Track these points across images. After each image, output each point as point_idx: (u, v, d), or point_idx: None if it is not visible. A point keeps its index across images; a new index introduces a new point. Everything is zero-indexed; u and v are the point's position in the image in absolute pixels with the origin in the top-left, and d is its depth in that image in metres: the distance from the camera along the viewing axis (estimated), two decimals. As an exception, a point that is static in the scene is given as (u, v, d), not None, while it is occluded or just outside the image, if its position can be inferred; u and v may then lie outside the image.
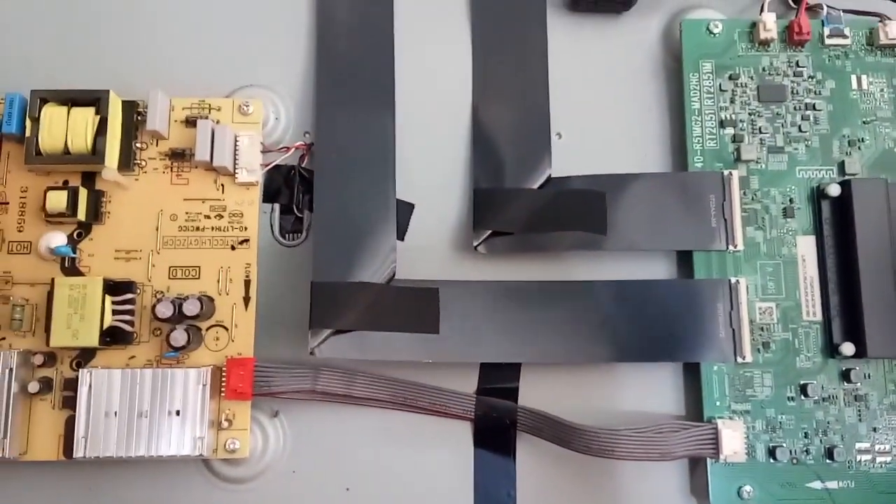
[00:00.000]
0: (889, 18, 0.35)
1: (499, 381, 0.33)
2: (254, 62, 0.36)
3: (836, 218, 0.33)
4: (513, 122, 0.35)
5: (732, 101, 0.35)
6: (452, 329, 0.32)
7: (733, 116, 0.34)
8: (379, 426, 0.33)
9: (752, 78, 0.35)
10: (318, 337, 0.31)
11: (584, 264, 0.34)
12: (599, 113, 0.36)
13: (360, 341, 0.32)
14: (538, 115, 0.35)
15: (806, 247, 0.34)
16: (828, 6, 0.36)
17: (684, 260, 0.34)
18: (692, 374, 0.33)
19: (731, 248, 0.33)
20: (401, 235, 0.34)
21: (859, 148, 0.34)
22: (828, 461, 0.32)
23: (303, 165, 0.35)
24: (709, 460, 0.32)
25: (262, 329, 0.33)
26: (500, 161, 0.34)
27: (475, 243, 0.33)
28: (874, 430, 0.32)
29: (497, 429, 0.33)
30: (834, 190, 0.33)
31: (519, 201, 0.34)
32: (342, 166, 0.34)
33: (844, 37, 0.35)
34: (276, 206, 0.35)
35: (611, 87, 0.36)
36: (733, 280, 0.33)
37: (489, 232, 0.33)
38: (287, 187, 0.35)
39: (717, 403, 0.32)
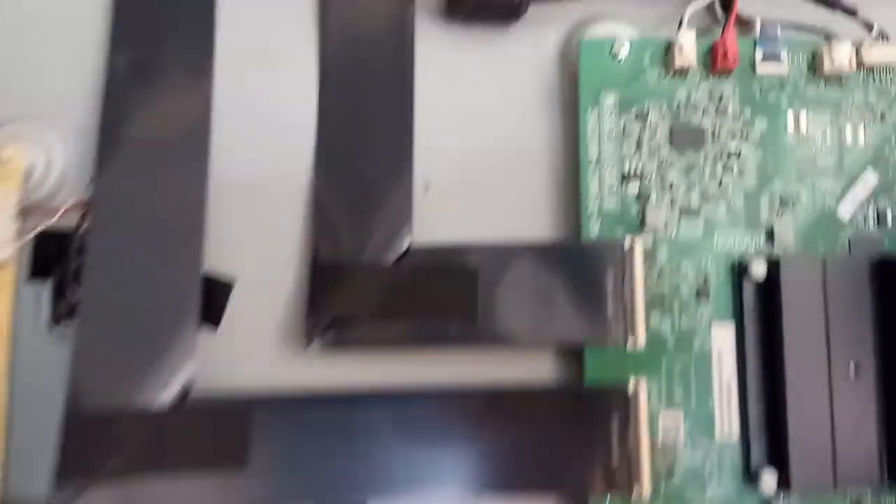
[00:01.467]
0: (836, 38, 0.28)
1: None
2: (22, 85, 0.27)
3: (760, 305, 0.26)
4: (366, 174, 0.26)
5: (639, 147, 0.27)
6: (271, 463, 0.24)
7: (639, 167, 0.27)
8: None
9: (664, 116, 0.27)
10: (66, 490, 0.23)
11: (448, 363, 0.26)
12: (478, 158, 0.28)
13: (131, 495, 0.23)
14: (399, 163, 0.26)
15: (723, 339, 0.27)
16: (762, 19, 0.28)
17: (570, 359, 0.27)
18: (579, 505, 0.26)
19: (630, 343, 0.26)
20: (214, 322, 0.26)
21: (793, 209, 0.27)
22: None
23: (84, 228, 0.26)
24: None
25: (15, 459, 0.25)
26: (347, 226, 0.26)
27: (309, 336, 0.25)
28: (799, 572, 0.26)
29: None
30: (758, 271, 0.26)
31: (369, 280, 0.25)
32: (126, 230, 0.25)
33: (781, 62, 0.28)
34: (48, 286, 0.26)
35: (494, 125, 0.28)
36: (631, 386, 0.25)
37: (329, 320, 0.25)
38: (62, 260, 0.26)
39: (608, 545, 0.25)
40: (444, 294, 0.25)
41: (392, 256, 0.25)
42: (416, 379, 0.26)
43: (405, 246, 0.25)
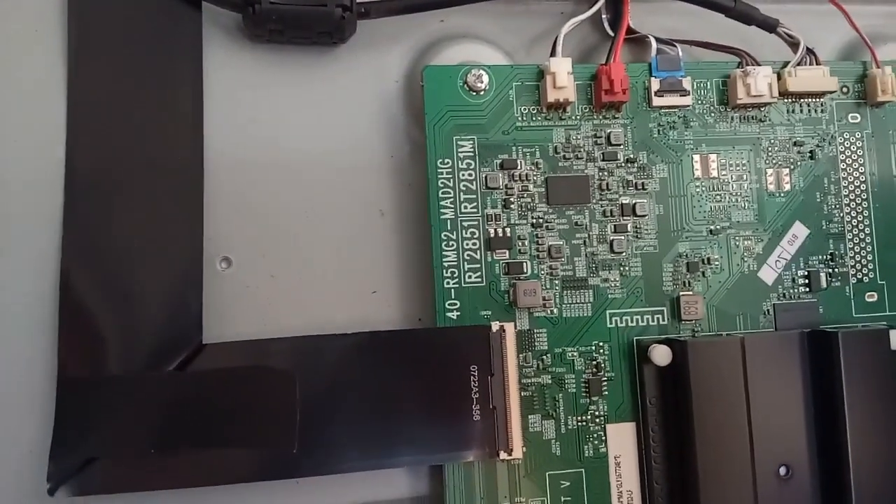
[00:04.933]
0: (754, 60, 0.23)
1: None
2: None
3: (664, 395, 0.21)
4: (140, 253, 0.20)
5: (507, 206, 0.22)
6: None
7: (508, 232, 0.21)
8: None
9: (537, 166, 0.22)
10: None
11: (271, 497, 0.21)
12: (297, 225, 0.22)
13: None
14: (186, 237, 0.21)
15: (622, 442, 0.21)
16: (657, 39, 0.23)
17: (430, 474, 0.21)
18: None
19: (503, 455, 0.20)
20: None
21: (704, 275, 0.22)
22: None
23: None
24: None
25: None
26: (107, 324, 0.20)
27: (50, 482, 0.19)
28: None
29: None
30: (661, 357, 0.21)
31: (140, 397, 0.19)
32: None
33: (684, 93, 0.23)
34: None
35: (317, 179, 0.22)
36: (505, 511, 0.20)
37: (81, 459, 0.19)
38: None
39: None
40: (251, 407, 0.20)
41: (173, 360, 0.20)
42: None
43: (194, 344, 0.20)
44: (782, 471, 0.22)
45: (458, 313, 0.21)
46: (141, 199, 0.20)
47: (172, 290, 0.20)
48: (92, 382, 0.19)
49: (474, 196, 0.22)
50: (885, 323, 0.23)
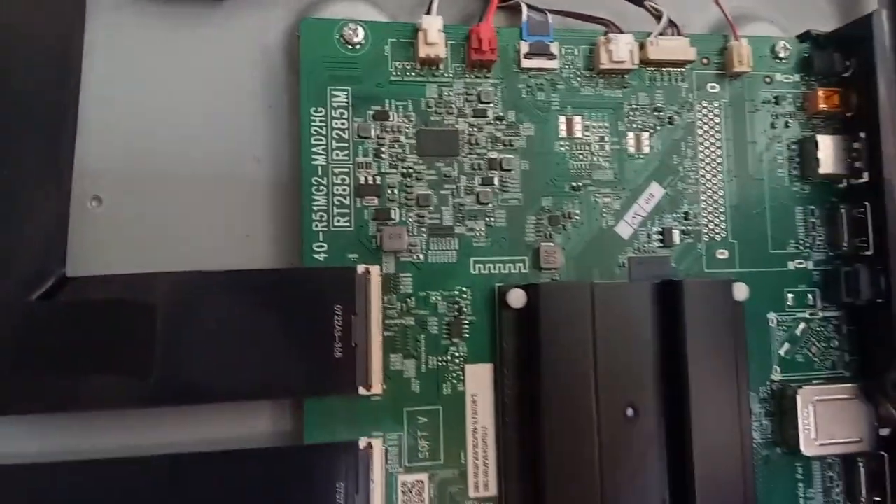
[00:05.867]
0: (619, 29, 0.25)
1: None
2: None
3: (519, 339, 0.23)
4: (5, 185, 0.21)
5: (378, 155, 0.23)
6: None
7: (377, 179, 0.23)
8: None
9: (409, 118, 0.23)
10: None
11: (128, 426, 0.21)
12: (171, 168, 0.23)
13: None
14: (51, 172, 0.21)
15: (479, 382, 0.23)
16: (528, 6, 0.24)
17: (293, 411, 0.22)
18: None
19: (363, 390, 0.21)
20: None
21: (564, 228, 0.24)
22: None
23: None
24: None
25: None
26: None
27: None
28: None
29: None
30: (516, 300, 0.22)
31: (2, 323, 0.20)
32: None
33: (551, 56, 0.24)
34: None
35: (193, 126, 0.23)
36: (363, 444, 0.21)
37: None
38: None
39: None
40: (111, 339, 0.20)
41: (37, 291, 0.20)
42: (82, 448, 0.21)
43: (56, 276, 0.20)
44: (629, 412, 0.23)
45: (326, 255, 0.22)
46: (7, 131, 0.21)
47: (38, 224, 0.21)
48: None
49: (346, 145, 0.23)
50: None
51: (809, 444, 0.24)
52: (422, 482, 0.22)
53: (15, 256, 0.20)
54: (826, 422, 0.24)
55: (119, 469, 0.21)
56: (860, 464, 0.25)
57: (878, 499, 0.25)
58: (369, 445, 0.22)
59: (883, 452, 0.25)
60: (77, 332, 0.21)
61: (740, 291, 0.24)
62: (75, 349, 0.20)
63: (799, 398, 0.24)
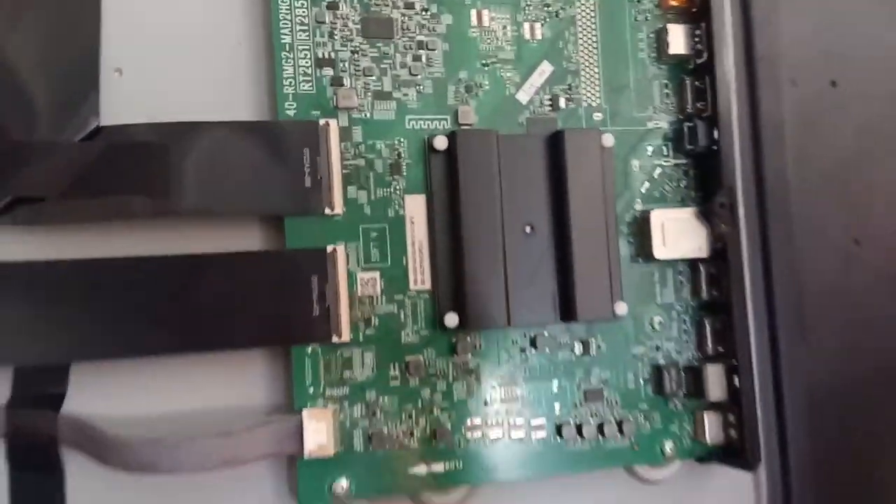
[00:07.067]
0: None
1: (39, 387, 0.27)
2: None
3: (444, 174, 0.30)
4: (47, 54, 0.28)
5: (332, 36, 0.30)
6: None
7: (332, 55, 0.30)
8: None
9: (355, 8, 0.30)
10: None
11: (150, 236, 0.29)
12: (174, 44, 0.30)
13: None
14: (84, 45, 0.28)
15: (415, 207, 0.31)
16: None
17: (274, 227, 0.30)
18: (285, 362, 0.29)
19: (328, 211, 0.29)
20: None
21: (477, 95, 0.31)
22: (433, 442, 0.30)
23: None
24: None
25: None
26: (30, 106, 0.27)
27: None
28: (485, 404, 0.30)
29: (35, 446, 0.27)
30: (440, 143, 0.30)
31: (54, 158, 0.27)
32: None
33: (465, -37, 0.31)
34: None
35: (189, 10, 0.30)
36: (329, 249, 0.29)
37: (9, 199, 0.27)
38: None
39: (311, 391, 0.29)
40: (135, 170, 0.27)
41: (79, 135, 0.27)
42: (112, 253, 0.28)
43: (93, 125, 0.27)
44: (527, 229, 0.31)
45: (295, 112, 0.30)
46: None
47: (68, 80, 0.27)
48: (22, 145, 0.26)
49: (307, 28, 0.30)
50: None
51: (661, 250, 0.33)
52: (374, 278, 0.30)
53: (58, 107, 0.27)
54: (674, 236, 0.33)
55: (120, 267, 0.27)
56: (701, 267, 0.33)
57: (715, 293, 0.33)
58: (335, 250, 0.29)
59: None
60: (113, 167, 0.27)
61: (608, 139, 0.32)
62: (110, 180, 0.27)
63: (652, 216, 0.33)
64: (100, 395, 0.28)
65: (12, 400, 0.27)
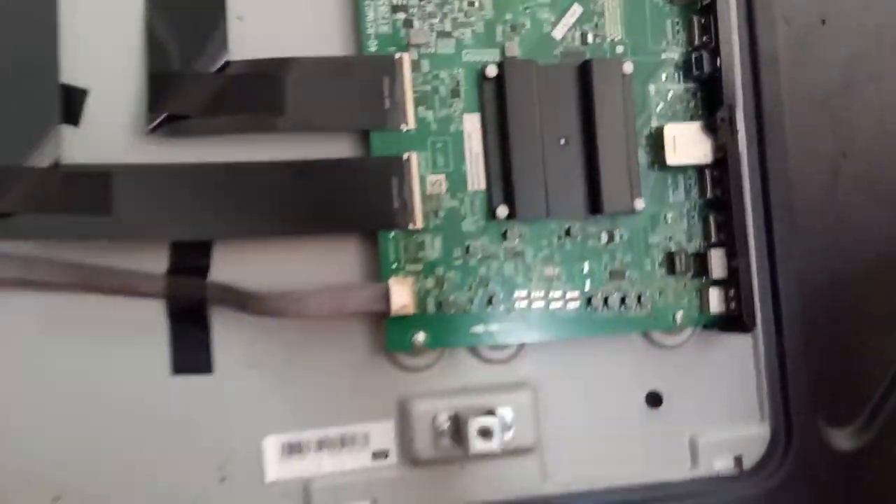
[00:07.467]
0: None
1: (189, 260, 0.36)
2: None
3: (494, 97, 0.38)
4: (189, 4, 0.36)
5: (406, -8, 0.38)
6: (133, 210, 0.34)
7: (405, 2, 0.37)
8: (62, 315, 0.35)
9: (421, -32, 0.38)
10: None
11: (265, 146, 0.37)
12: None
13: (23, 225, 0.33)
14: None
15: (471, 124, 0.38)
16: None
17: (362, 139, 0.37)
18: (373, 244, 0.37)
19: (403, 127, 0.37)
20: (74, 122, 0.35)
21: (520, 33, 0.39)
22: (489, 308, 0.37)
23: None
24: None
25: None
26: (176, 44, 0.36)
27: (149, 126, 0.35)
28: (529, 280, 0.38)
29: (189, 304, 0.35)
30: (491, 72, 0.37)
31: (195, 85, 0.35)
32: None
33: (510, -74, 0.39)
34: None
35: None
36: (405, 156, 0.36)
37: (164, 115, 0.35)
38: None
39: (393, 266, 0.37)
40: (255, 94, 0.36)
41: (213, 67, 0.36)
42: (240, 158, 0.36)
43: (223, 59, 0.36)
44: (562, 141, 0.39)
45: (377, 47, 0.37)
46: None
47: (204, 25, 0.36)
48: (173, 73, 0.35)
49: (385, -18, 0.38)
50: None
51: (672, 158, 0.40)
52: (440, 179, 0.38)
53: (197, 46, 0.36)
54: (683, 146, 0.40)
55: (247, 168, 0.36)
56: (706, 172, 0.40)
57: (718, 193, 0.40)
58: (409, 157, 0.37)
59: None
60: (239, 92, 0.36)
61: (628, 67, 0.39)
62: (240, 101, 0.35)
63: (665, 130, 0.40)
64: (234, 269, 0.37)
65: (170, 269, 0.36)
